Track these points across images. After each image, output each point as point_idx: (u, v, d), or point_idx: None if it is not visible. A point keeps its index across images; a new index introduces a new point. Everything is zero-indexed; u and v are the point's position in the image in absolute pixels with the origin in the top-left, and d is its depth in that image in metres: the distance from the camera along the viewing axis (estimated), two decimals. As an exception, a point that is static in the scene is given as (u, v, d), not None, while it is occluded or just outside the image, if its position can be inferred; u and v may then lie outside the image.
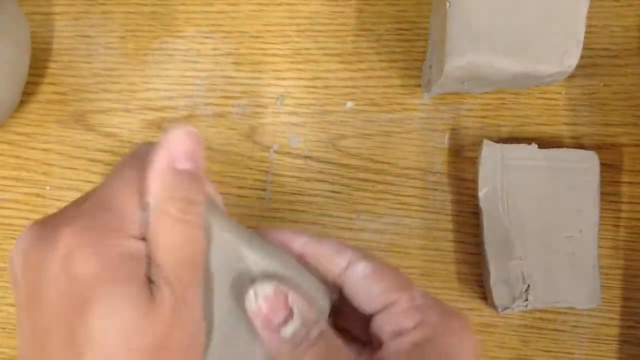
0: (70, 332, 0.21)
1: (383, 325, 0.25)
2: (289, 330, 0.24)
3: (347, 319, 0.28)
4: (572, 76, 0.37)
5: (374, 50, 0.42)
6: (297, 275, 0.25)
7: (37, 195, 0.43)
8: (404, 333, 0.25)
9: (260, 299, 0.24)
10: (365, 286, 0.26)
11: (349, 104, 0.42)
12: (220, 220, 0.24)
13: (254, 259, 0.24)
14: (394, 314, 0.25)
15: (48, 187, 0.43)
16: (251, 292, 0.24)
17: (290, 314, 0.24)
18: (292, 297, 0.24)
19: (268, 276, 0.24)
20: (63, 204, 0.42)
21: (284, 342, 0.24)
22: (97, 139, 0.43)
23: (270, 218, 0.42)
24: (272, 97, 0.42)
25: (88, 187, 0.43)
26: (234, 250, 0.24)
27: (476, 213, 0.41)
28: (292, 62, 0.43)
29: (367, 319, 0.26)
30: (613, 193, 0.41)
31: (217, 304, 0.24)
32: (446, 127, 0.42)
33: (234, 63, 0.43)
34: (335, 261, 0.26)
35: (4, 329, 0.42)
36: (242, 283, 0.24)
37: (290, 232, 0.27)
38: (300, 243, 0.26)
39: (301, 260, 0.26)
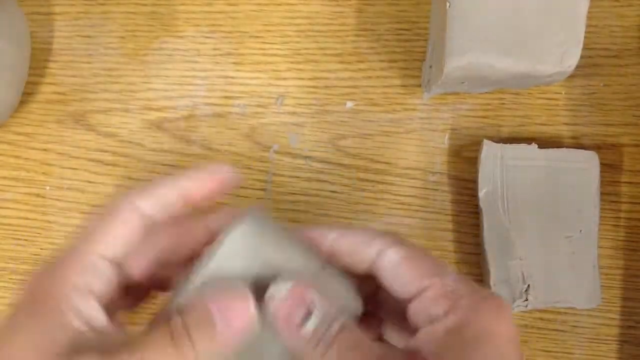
0: None
1: (417, 312, 0.25)
2: (309, 327, 0.24)
3: (388, 310, 0.28)
4: (572, 76, 0.37)
5: (374, 50, 0.42)
6: (324, 275, 0.25)
7: (37, 195, 0.43)
8: (435, 320, 0.25)
9: (279, 299, 0.24)
10: (397, 274, 0.26)
11: (349, 104, 0.42)
12: (253, 226, 0.24)
13: (279, 262, 0.24)
14: (426, 300, 0.25)
15: (48, 187, 0.43)
16: (269, 292, 0.24)
17: (309, 312, 0.24)
18: (311, 294, 0.24)
19: (286, 276, 0.24)
20: (63, 204, 0.42)
21: (306, 340, 0.24)
22: (97, 139, 0.43)
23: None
24: (272, 97, 0.42)
25: (88, 187, 0.43)
26: (259, 254, 0.24)
27: (476, 213, 0.41)
28: (292, 62, 0.43)
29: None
30: (613, 193, 0.41)
31: None
32: (446, 127, 0.42)
33: (234, 63, 0.43)
34: (366, 252, 0.26)
35: (4, 329, 0.42)
36: (263, 286, 0.24)
37: (320, 230, 0.27)
38: (330, 239, 0.27)
39: (332, 260, 0.26)
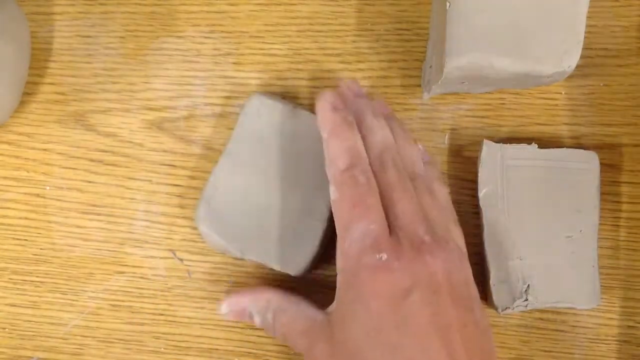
0: None
1: None
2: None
3: None
4: (572, 76, 0.37)
5: (374, 50, 0.42)
6: (299, 110, 0.40)
7: (37, 195, 0.43)
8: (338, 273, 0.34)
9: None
10: None
11: (349, 104, 0.42)
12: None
13: (277, 103, 0.40)
14: (337, 252, 0.34)
15: (48, 187, 0.43)
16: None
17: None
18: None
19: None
20: (63, 204, 0.42)
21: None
22: (97, 139, 0.43)
23: (270, 218, 0.42)
24: (272, 97, 0.42)
25: (88, 187, 0.43)
26: (270, 105, 0.40)
27: (476, 213, 0.41)
28: (292, 62, 0.43)
29: None
30: (613, 193, 0.41)
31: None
32: (446, 127, 0.42)
33: (234, 63, 0.43)
34: None
35: (4, 329, 0.42)
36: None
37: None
38: None
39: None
